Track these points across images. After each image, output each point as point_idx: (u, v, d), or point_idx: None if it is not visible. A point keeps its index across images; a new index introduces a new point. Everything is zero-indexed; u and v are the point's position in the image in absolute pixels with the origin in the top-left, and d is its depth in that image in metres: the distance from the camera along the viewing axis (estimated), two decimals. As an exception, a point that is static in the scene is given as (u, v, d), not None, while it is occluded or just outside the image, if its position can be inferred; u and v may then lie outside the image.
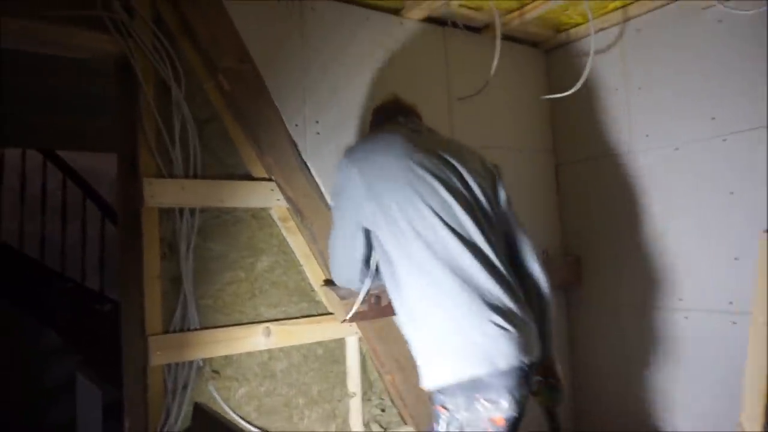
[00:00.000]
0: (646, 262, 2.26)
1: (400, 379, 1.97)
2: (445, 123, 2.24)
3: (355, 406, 1.98)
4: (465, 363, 1.29)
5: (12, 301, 4.09)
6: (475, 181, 1.48)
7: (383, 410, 2.05)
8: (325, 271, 1.89)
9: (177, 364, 1.65)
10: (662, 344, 2.21)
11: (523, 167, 2.48)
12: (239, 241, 1.81)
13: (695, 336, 2.12)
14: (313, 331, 1.90)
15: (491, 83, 2.20)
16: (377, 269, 1.60)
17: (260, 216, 1.86)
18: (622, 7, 2.26)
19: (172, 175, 1.69)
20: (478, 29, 2.39)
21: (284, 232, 1.89)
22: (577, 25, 2.43)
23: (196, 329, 1.69)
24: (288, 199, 1.84)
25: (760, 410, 1.71)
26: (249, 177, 1.84)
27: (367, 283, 1.67)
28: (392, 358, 1.96)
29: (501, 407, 1.27)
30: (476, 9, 2.23)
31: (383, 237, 1.42)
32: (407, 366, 1.96)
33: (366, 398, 2.01)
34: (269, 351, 1.83)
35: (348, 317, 1.75)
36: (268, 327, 1.80)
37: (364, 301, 1.74)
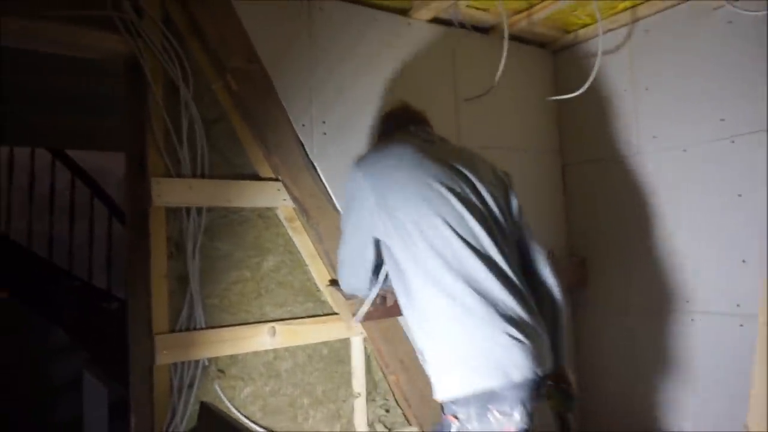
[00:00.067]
0: (653, 264, 2.25)
1: (404, 379, 1.97)
2: (451, 123, 2.24)
3: (360, 406, 1.98)
4: (479, 375, 1.29)
5: (21, 299, 4.12)
6: (488, 191, 1.48)
7: (388, 411, 2.05)
8: (331, 271, 1.89)
9: (183, 363, 1.65)
10: (668, 346, 2.20)
11: (529, 168, 2.48)
12: (245, 240, 1.82)
13: (702, 338, 2.10)
14: (319, 331, 1.90)
15: (498, 84, 2.19)
16: (386, 277, 1.60)
17: (266, 216, 1.87)
18: (631, 7, 2.24)
19: (179, 175, 1.69)
20: (486, 30, 2.39)
21: (290, 232, 1.90)
22: (586, 25, 2.42)
23: (202, 328, 1.69)
24: (294, 199, 1.84)
25: (766, 412, 1.70)
26: (256, 177, 1.85)
27: (374, 291, 1.67)
28: (397, 359, 1.96)
29: (513, 419, 1.28)
30: (484, 9, 2.23)
31: (395, 248, 1.42)
32: (412, 367, 1.96)
33: (370, 399, 2.01)
34: (274, 351, 1.83)
35: (358, 320, 1.75)
36: (273, 327, 1.80)
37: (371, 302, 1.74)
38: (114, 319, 4.02)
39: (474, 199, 1.44)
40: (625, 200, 2.35)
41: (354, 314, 1.75)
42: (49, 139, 4.39)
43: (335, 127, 1.95)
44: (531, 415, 1.30)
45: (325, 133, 1.93)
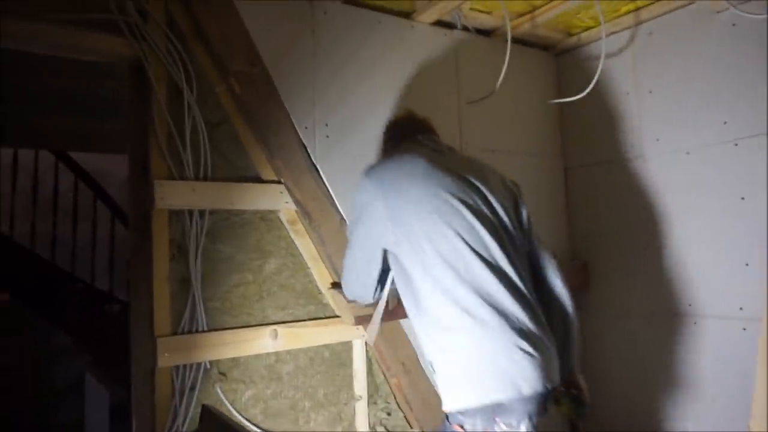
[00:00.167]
0: (655, 267, 2.24)
1: (406, 382, 1.96)
2: (454, 126, 2.24)
3: (361, 409, 1.97)
4: (490, 387, 1.29)
5: (24, 301, 4.13)
6: (499, 202, 1.48)
7: (389, 414, 2.04)
8: (333, 273, 1.89)
9: (185, 366, 1.65)
10: (671, 350, 2.19)
11: (531, 171, 2.47)
12: (247, 243, 1.82)
13: (704, 342, 2.09)
14: (321, 333, 1.90)
15: (501, 87, 2.19)
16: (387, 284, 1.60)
17: (269, 218, 1.87)
18: (635, 10, 2.24)
19: (182, 178, 1.70)
20: (489, 32, 2.39)
21: (292, 235, 1.90)
22: (589, 28, 2.42)
23: (204, 331, 1.69)
24: (297, 202, 1.84)
25: None
26: (258, 179, 1.85)
27: (382, 303, 1.66)
28: (398, 362, 1.95)
29: None
30: (487, 12, 2.23)
31: (405, 259, 1.41)
32: (413, 370, 1.96)
33: (372, 402, 2.01)
34: (276, 353, 1.83)
35: (371, 342, 1.72)
36: (275, 329, 1.80)
37: (371, 305, 1.74)
38: (116, 321, 4.03)
39: (486, 210, 1.44)
40: (628, 203, 2.34)
41: (366, 338, 1.72)
42: (49, 141, 4.41)
43: (338, 130, 1.95)
44: (536, 428, 1.31)
45: (327, 136, 1.93)
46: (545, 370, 1.31)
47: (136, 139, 1.74)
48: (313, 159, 1.88)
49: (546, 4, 2.16)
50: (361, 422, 1.97)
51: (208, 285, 1.72)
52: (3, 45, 1.56)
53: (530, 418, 1.29)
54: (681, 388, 2.17)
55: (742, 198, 1.99)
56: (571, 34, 2.49)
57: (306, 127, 1.88)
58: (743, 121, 1.99)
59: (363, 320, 1.83)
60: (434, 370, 1.38)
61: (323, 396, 1.91)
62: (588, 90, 2.18)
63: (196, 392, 1.67)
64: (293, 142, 1.85)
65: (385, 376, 2.02)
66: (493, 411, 1.28)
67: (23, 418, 4.22)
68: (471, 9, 2.19)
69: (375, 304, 1.70)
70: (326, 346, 1.93)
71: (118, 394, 3.43)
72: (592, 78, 2.17)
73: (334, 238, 1.85)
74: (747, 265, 1.97)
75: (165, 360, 1.61)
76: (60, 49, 1.68)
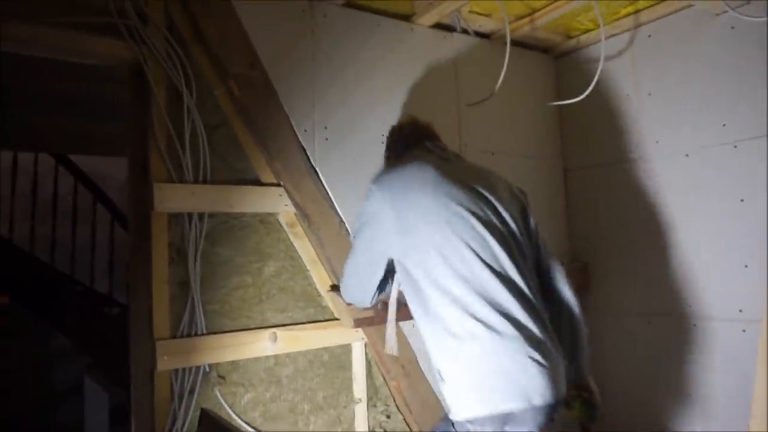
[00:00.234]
0: (655, 269, 2.24)
1: (405, 385, 1.96)
2: (454, 128, 2.24)
3: (361, 412, 1.97)
4: (501, 397, 1.29)
5: (23, 304, 4.13)
6: (507, 211, 1.48)
7: (388, 416, 2.04)
8: (332, 276, 1.89)
9: (184, 369, 1.65)
10: (670, 351, 2.19)
11: (531, 173, 2.47)
12: (247, 246, 1.82)
13: (705, 343, 2.09)
14: (320, 336, 1.89)
15: (501, 89, 2.19)
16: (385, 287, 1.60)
17: (268, 221, 1.87)
18: (634, 13, 2.24)
19: (182, 181, 1.70)
20: (488, 35, 2.39)
21: (291, 237, 1.89)
22: (588, 31, 2.42)
23: (203, 334, 1.69)
24: (296, 204, 1.84)
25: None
26: (258, 182, 1.85)
27: (392, 314, 1.66)
28: (398, 364, 1.95)
29: None
30: (486, 15, 2.23)
31: (413, 268, 1.41)
32: (413, 372, 1.95)
33: (371, 404, 2.00)
34: (275, 356, 1.83)
35: (395, 350, 1.70)
36: (274, 332, 1.80)
37: (372, 307, 1.74)
38: (115, 324, 4.02)
39: (495, 220, 1.44)
40: (628, 205, 2.34)
41: (390, 351, 1.70)
42: (49, 143, 4.41)
43: (337, 133, 1.95)
44: None
45: (327, 139, 1.93)
46: (555, 380, 1.31)
47: (135, 142, 1.74)
48: (312, 161, 1.88)
49: (545, 6, 2.16)
50: (361, 425, 1.96)
51: (207, 288, 1.72)
52: (3, 48, 1.56)
53: (539, 429, 1.30)
54: (681, 389, 2.17)
55: (742, 200, 1.99)
56: (570, 37, 2.49)
57: (305, 130, 1.88)
58: (743, 123, 1.99)
59: (362, 323, 1.84)
60: (442, 378, 1.37)
61: (322, 399, 1.91)
62: (587, 92, 2.18)
63: (195, 395, 1.66)
64: (292, 145, 1.85)
65: (384, 378, 2.01)
66: (503, 420, 1.28)
67: (23, 420, 4.21)
68: (470, 12, 2.19)
69: (375, 309, 1.70)
70: (325, 348, 1.93)
71: (118, 396, 3.43)
72: (592, 80, 2.17)
73: (333, 241, 1.85)
74: (746, 266, 1.97)
75: (164, 363, 1.61)
76: (60, 52, 1.68)
